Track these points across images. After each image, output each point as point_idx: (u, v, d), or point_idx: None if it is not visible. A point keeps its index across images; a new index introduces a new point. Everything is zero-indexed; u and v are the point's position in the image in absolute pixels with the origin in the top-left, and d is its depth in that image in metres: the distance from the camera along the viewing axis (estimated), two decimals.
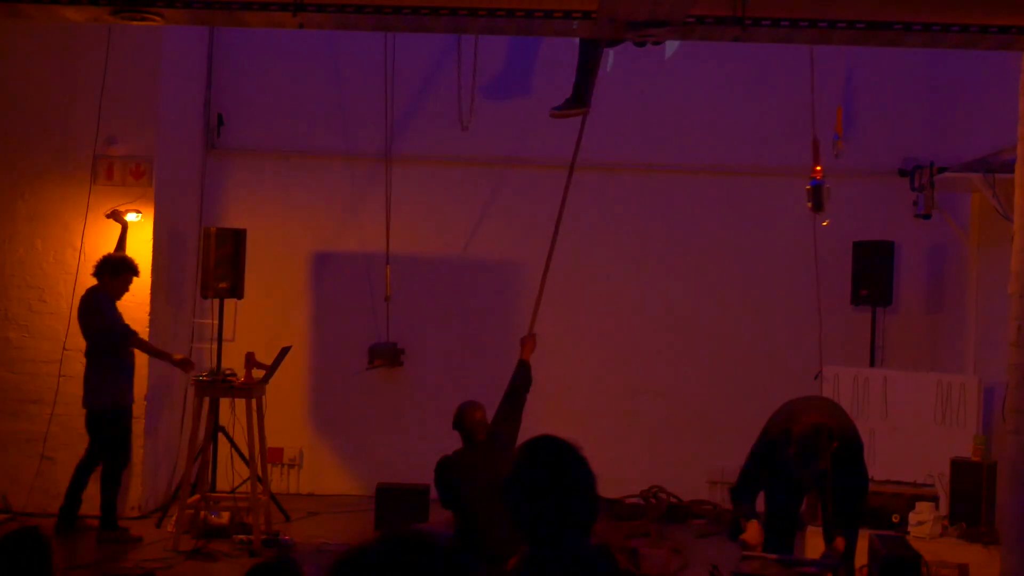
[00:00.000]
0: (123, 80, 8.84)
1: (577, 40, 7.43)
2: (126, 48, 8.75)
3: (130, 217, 8.76)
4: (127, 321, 8.36)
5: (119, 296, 8.38)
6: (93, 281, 8.40)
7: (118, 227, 8.71)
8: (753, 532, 5.91)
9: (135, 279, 8.44)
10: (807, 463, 5.76)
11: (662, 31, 5.89)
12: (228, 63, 10.20)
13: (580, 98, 7.64)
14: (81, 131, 8.87)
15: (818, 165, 8.36)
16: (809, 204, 8.36)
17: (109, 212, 8.71)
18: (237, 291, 9.03)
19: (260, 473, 8.48)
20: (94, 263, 8.42)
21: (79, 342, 8.75)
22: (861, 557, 6.30)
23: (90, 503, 8.22)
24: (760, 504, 6.36)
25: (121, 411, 8.25)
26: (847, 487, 5.98)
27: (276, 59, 10.20)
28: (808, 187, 8.34)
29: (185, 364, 8.57)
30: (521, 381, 6.99)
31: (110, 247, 8.72)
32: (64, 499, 8.18)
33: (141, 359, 8.61)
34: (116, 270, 8.31)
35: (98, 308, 8.25)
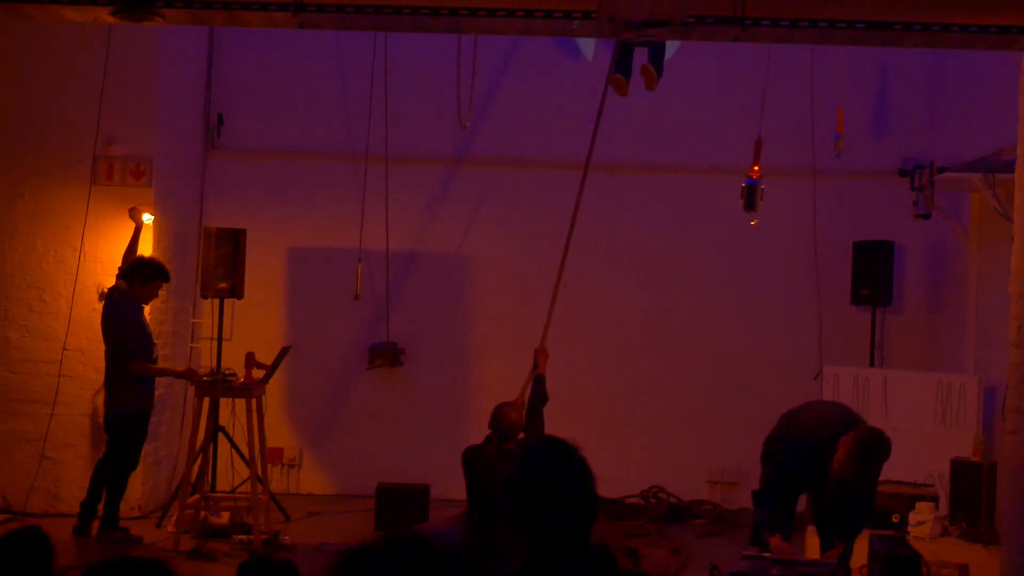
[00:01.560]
0: (123, 80, 8.83)
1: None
2: (126, 48, 8.75)
3: (145, 218, 8.74)
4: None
5: (147, 301, 8.36)
6: (93, 281, 8.38)
7: (126, 227, 8.68)
8: (778, 546, 5.99)
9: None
10: (860, 466, 5.81)
11: (662, 31, 5.90)
12: (228, 63, 10.20)
13: (659, 69, 7.63)
14: (81, 131, 8.86)
15: (756, 165, 8.40)
16: (741, 202, 8.39)
17: (130, 208, 8.67)
18: (237, 291, 9.03)
19: (260, 473, 8.48)
20: (95, 264, 8.41)
21: (79, 342, 8.76)
22: (861, 557, 6.30)
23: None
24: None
25: (140, 417, 8.24)
26: (866, 491, 6.05)
27: (276, 59, 10.20)
28: (743, 185, 8.37)
29: (189, 375, 8.57)
30: (538, 396, 7.01)
31: (110, 247, 8.71)
32: (86, 495, 8.18)
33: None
34: (148, 276, 8.26)
35: (119, 319, 8.20)
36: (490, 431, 6.76)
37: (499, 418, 6.76)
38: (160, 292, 8.76)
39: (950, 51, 8.18)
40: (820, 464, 5.97)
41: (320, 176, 10.24)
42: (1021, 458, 6.28)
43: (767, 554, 5.94)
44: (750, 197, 8.32)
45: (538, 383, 7.08)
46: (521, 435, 6.82)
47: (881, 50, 9.08)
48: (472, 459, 6.72)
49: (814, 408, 6.49)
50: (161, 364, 8.66)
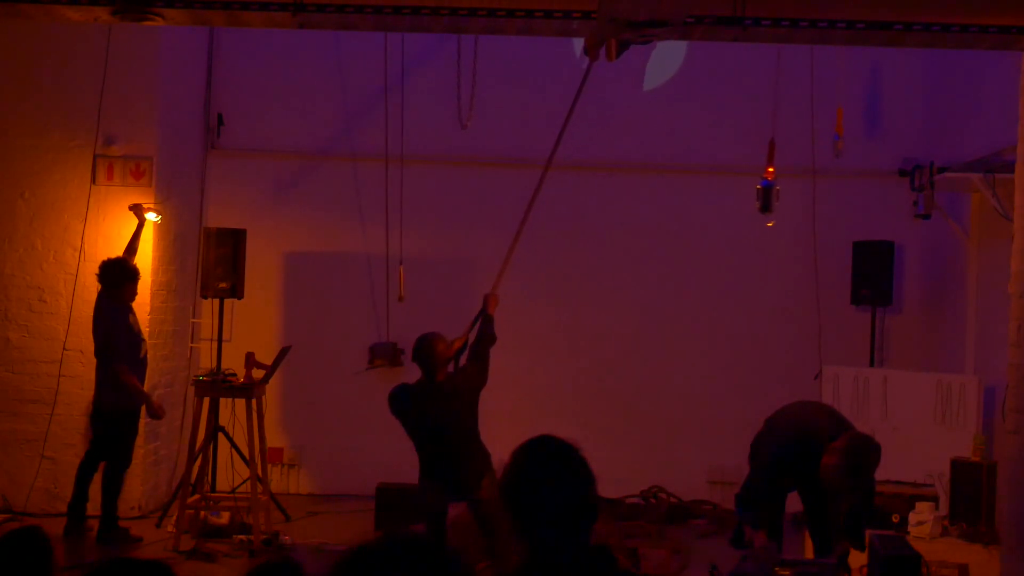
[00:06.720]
0: (123, 80, 8.84)
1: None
2: (126, 48, 8.75)
3: (150, 216, 8.74)
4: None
5: (130, 301, 8.32)
6: (93, 281, 8.37)
7: (126, 227, 8.67)
8: (763, 543, 6.01)
9: (140, 280, 8.41)
10: (855, 475, 5.82)
11: (662, 31, 5.89)
12: (228, 63, 10.20)
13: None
14: (81, 131, 8.87)
15: (771, 166, 8.39)
16: (757, 204, 8.38)
17: (133, 204, 8.65)
18: (237, 291, 9.04)
19: (260, 473, 8.48)
20: (95, 264, 8.40)
21: (79, 342, 8.76)
22: (861, 557, 6.30)
23: (91, 503, 8.23)
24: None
25: (126, 414, 8.22)
26: (864, 493, 6.07)
27: (276, 59, 10.20)
28: (758, 187, 8.36)
29: (151, 410, 8.30)
30: (486, 335, 6.99)
31: (110, 247, 8.70)
32: (72, 497, 8.18)
33: (150, 363, 8.57)
34: (117, 281, 8.20)
35: (105, 319, 8.17)
36: (416, 363, 6.70)
37: (424, 350, 6.69)
38: (160, 292, 8.75)
39: (950, 51, 8.17)
40: (807, 465, 5.97)
41: (320, 176, 10.24)
42: (1021, 458, 6.27)
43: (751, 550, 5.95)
44: (766, 199, 8.32)
45: (486, 323, 7.06)
46: (450, 368, 6.76)
47: (881, 50, 9.08)
48: (398, 402, 6.66)
49: (797, 409, 6.45)
50: (147, 386, 8.41)
